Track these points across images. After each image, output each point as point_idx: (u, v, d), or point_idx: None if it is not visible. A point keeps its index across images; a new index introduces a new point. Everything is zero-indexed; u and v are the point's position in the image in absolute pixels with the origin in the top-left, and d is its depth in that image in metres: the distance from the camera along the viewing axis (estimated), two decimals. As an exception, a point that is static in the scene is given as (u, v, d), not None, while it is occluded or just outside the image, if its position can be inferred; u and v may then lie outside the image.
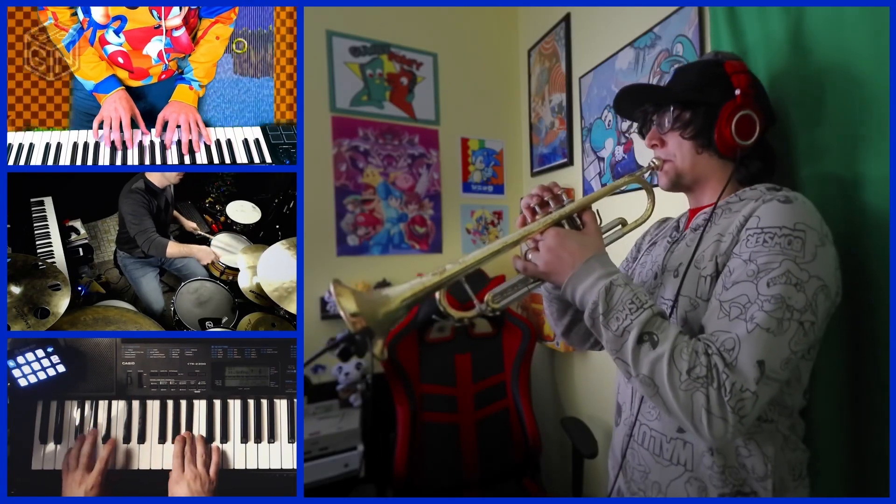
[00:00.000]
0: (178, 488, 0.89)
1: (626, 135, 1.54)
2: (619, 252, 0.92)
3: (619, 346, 0.64)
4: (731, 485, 0.70)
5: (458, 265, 0.72)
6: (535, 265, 0.74)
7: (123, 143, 1.16)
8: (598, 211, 0.78)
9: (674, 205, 0.93)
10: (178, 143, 1.19)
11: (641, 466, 0.79)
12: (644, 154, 1.47)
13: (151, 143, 1.19)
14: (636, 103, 0.86)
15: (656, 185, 0.86)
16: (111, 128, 1.14)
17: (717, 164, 0.79)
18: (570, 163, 1.88)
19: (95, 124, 1.15)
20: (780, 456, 0.70)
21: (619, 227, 0.84)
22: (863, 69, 0.81)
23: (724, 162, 0.78)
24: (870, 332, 0.81)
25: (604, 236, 0.79)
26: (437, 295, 0.73)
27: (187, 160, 1.18)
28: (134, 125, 1.18)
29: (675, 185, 0.83)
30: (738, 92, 0.75)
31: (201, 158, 1.18)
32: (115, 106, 1.15)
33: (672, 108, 0.80)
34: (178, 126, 1.19)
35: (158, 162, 1.17)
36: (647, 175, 0.84)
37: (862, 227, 0.81)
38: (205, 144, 1.20)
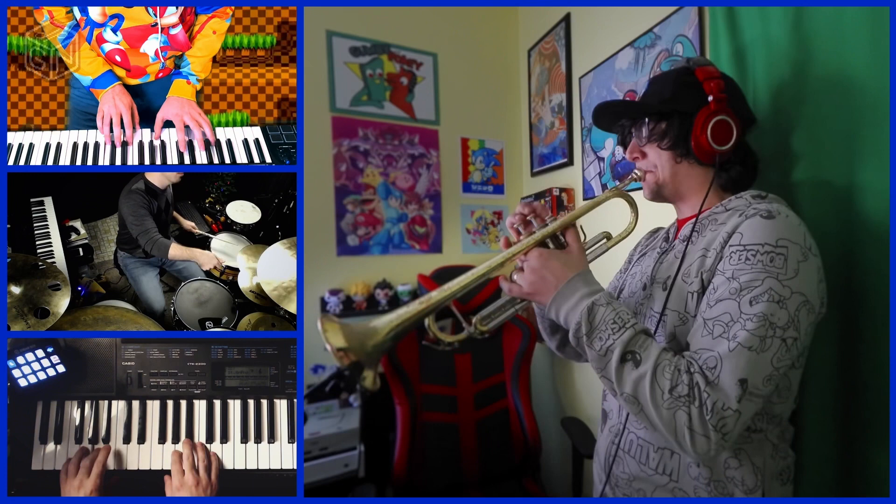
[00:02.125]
0: (180, 494, 0.89)
1: (626, 135, 1.54)
2: (607, 264, 0.91)
3: (604, 366, 0.65)
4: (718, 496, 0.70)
5: (443, 292, 0.72)
6: (520, 286, 0.74)
7: (124, 144, 1.16)
8: (581, 227, 0.78)
9: (663, 214, 0.93)
10: (189, 142, 1.19)
11: (626, 474, 0.79)
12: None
13: (151, 143, 1.19)
14: (613, 119, 0.87)
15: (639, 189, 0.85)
16: (111, 125, 1.14)
17: (698, 172, 0.79)
18: (570, 163, 1.88)
19: (99, 121, 1.15)
20: (769, 465, 0.70)
21: (604, 241, 0.84)
22: (862, 72, 0.81)
23: (704, 169, 0.79)
24: (865, 335, 0.81)
25: (589, 251, 0.79)
26: (426, 322, 0.74)
27: (199, 157, 1.18)
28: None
29: (658, 196, 0.83)
30: (710, 98, 0.75)
31: (201, 158, 1.18)
32: (115, 102, 1.15)
33: (647, 121, 0.80)
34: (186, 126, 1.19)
35: (159, 161, 1.17)
36: (627, 186, 0.83)
37: (858, 231, 0.81)
38: (206, 143, 1.20)
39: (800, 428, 0.81)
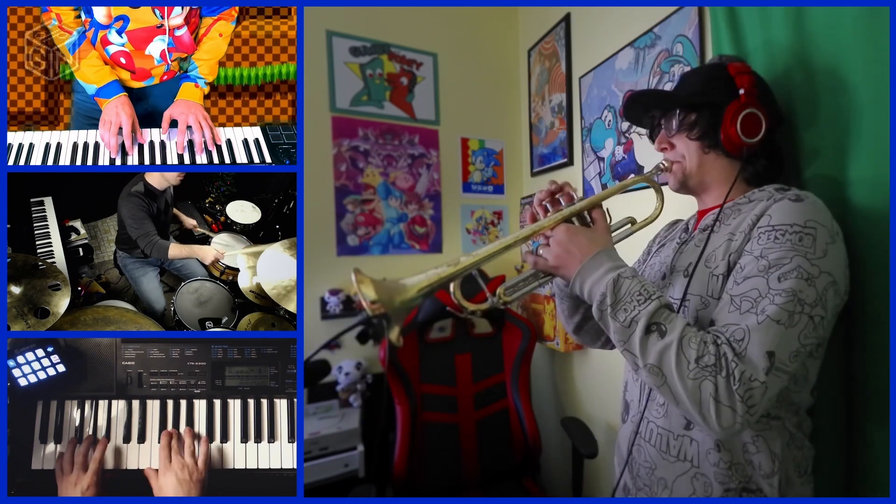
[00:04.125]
0: (165, 480, 0.89)
1: (626, 135, 1.54)
2: (630, 253, 0.93)
3: (627, 337, 0.64)
4: (737, 481, 0.71)
5: (472, 257, 0.73)
6: (546, 259, 0.75)
7: (123, 149, 1.16)
8: (607, 209, 0.79)
9: (683, 206, 0.94)
10: (189, 143, 1.19)
11: (647, 463, 0.80)
12: (644, 154, 1.47)
13: (151, 142, 1.19)
14: (644, 109, 0.88)
15: (665, 184, 0.87)
16: (109, 132, 1.14)
17: (725, 164, 0.80)
18: (570, 163, 1.88)
19: (102, 129, 1.15)
20: (786, 453, 0.71)
21: (629, 225, 0.85)
22: (857, 74, 0.81)
23: (731, 161, 0.79)
24: (863, 332, 0.81)
25: (613, 234, 0.80)
26: (451, 287, 0.76)
27: (199, 160, 1.17)
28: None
29: (684, 187, 0.84)
30: (741, 91, 0.76)
31: (201, 158, 1.18)
32: (117, 111, 1.15)
33: (678, 112, 0.82)
34: (188, 126, 1.19)
35: (159, 161, 1.17)
36: (655, 176, 0.85)
37: (855, 228, 0.81)
38: (205, 147, 1.20)
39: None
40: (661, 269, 0.85)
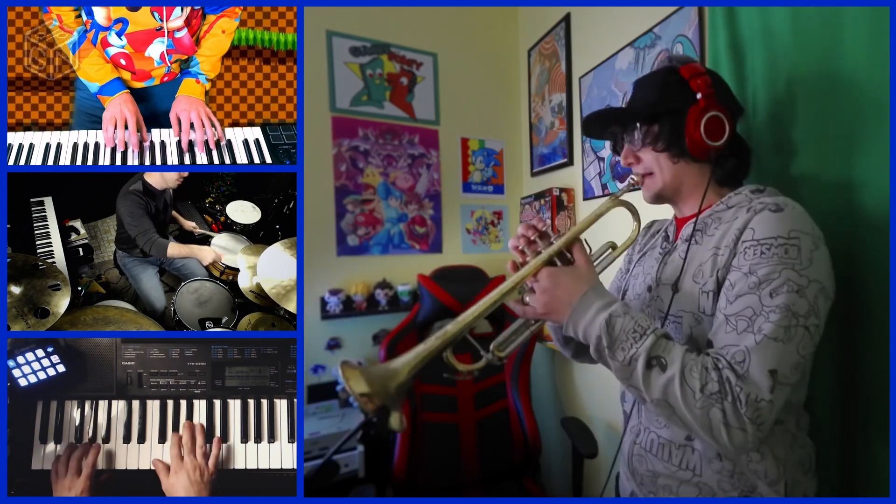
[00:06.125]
0: (176, 479, 0.89)
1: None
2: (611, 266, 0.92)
3: (629, 374, 0.64)
4: (740, 489, 0.71)
5: (457, 324, 0.73)
6: (534, 308, 0.74)
7: (127, 145, 1.16)
8: (585, 240, 0.78)
9: (660, 211, 0.93)
10: (190, 142, 1.19)
11: (650, 473, 0.80)
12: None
13: (151, 142, 1.19)
14: (603, 126, 0.87)
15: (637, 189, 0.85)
16: (115, 128, 1.14)
17: (695, 170, 0.79)
18: (570, 163, 1.88)
19: (104, 127, 1.15)
20: (790, 455, 0.71)
21: (610, 251, 0.84)
22: (859, 69, 0.81)
23: (700, 166, 0.78)
24: (865, 330, 0.82)
25: (596, 263, 0.79)
26: (444, 355, 0.75)
27: (195, 158, 1.17)
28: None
29: (659, 198, 0.83)
30: (699, 96, 0.75)
31: (202, 158, 1.18)
32: (121, 108, 1.15)
33: (639, 125, 0.80)
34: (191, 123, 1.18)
35: (159, 161, 1.17)
36: (627, 193, 0.83)
37: (857, 225, 0.81)
38: (206, 144, 1.19)
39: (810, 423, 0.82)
40: (646, 282, 0.84)
